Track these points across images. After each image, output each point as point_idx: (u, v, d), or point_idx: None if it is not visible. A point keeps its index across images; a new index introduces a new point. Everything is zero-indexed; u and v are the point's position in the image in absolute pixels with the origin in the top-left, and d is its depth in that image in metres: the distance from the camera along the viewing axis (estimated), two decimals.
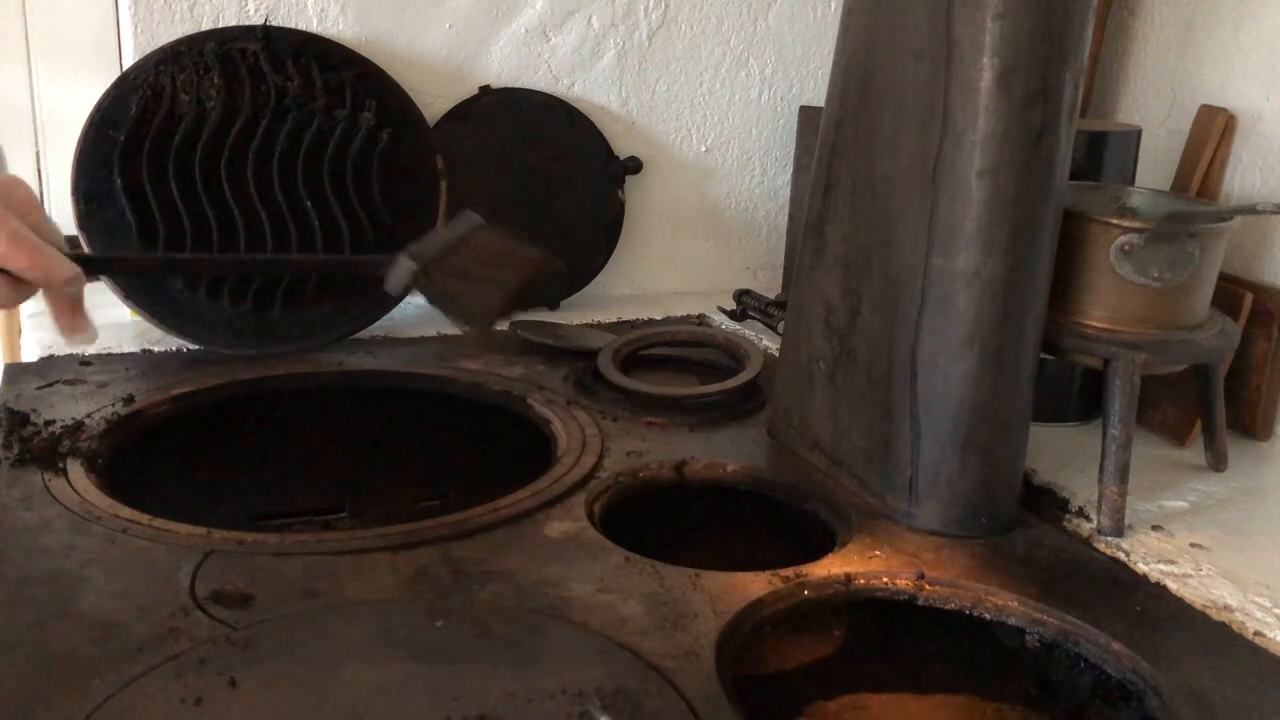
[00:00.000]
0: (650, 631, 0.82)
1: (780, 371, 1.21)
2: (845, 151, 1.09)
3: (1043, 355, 1.03)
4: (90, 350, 1.31)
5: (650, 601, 0.87)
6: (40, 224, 0.76)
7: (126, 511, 0.96)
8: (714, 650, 0.80)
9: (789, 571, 0.92)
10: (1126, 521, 1.03)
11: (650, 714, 0.73)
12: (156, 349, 1.36)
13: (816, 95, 1.73)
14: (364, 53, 1.46)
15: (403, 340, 1.46)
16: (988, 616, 0.92)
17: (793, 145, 1.74)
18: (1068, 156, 0.97)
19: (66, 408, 1.16)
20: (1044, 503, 1.10)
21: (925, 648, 0.96)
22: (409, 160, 1.46)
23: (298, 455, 1.32)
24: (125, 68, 1.39)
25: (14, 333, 1.50)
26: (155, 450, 1.18)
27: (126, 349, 1.35)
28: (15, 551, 0.89)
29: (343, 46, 1.45)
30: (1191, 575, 0.96)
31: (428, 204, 1.47)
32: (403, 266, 0.86)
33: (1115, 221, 1.03)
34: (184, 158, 1.32)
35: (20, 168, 1.56)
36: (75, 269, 0.77)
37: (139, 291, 1.34)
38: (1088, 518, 1.05)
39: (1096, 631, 0.87)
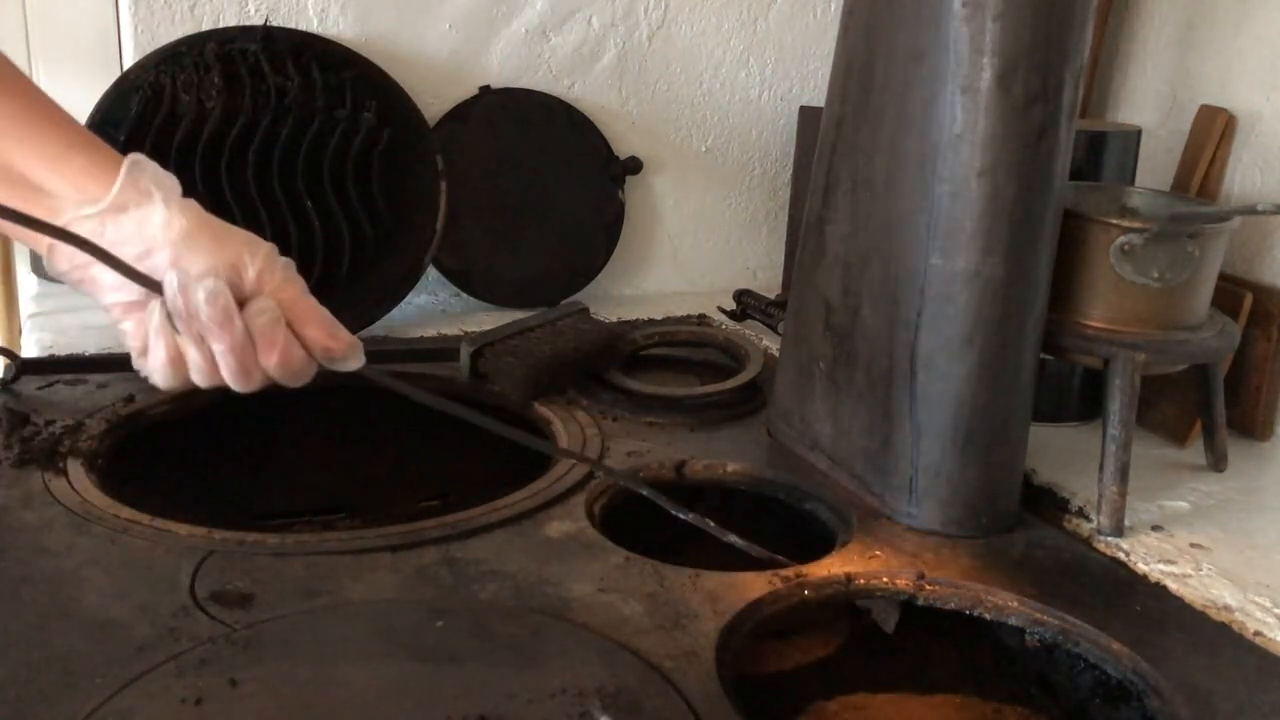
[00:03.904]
0: (650, 631, 0.82)
1: (780, 371, 1.21)
2: (845, 151, 1.09)
3: (1043, 355, 1.03)
4: (90, 350, 1.31)
5: (650, 601, 0.87)
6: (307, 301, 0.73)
7: (126, 511, 0.96)
8: (714, 650, 0.80)
9: (789, 571, 0.92)
10: (1126, 522, 1.03)
11: (650, 714, 0.73)
12: None
13: (816, 95, 1.73)
14: (364, 53, 1.45)
15: (403, 340, 1.46)
16: (988, 616, 0.92)
17: (793, 145, 1.73)
18: (1068, 156, 0.97)
19: (66, 408, 1.16)
20: (1044, 503, 1.10)
21: (925, 648, 0.96)
22: (409, 160, 1.45)
23: (298, 455, 1.31)
24: (125, 68, 1.39)
25: (14, 333, 1.50)
26: (155, 450, 1.18)
27: (126, 349, 1.35)
28: (15, 551, 0.90)
29: (343, 47, 1.45)
30: (1191, 575, 0.96)
31: (428, 204, 1.47)
32: (463, 350, 1.01)
33: (1115, 221, 1.03)
34: (184, 158, 1.32)
35: None
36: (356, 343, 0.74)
37: None
38: (1088, 518, 1.05)
39: (1096, 631, 0.87)
